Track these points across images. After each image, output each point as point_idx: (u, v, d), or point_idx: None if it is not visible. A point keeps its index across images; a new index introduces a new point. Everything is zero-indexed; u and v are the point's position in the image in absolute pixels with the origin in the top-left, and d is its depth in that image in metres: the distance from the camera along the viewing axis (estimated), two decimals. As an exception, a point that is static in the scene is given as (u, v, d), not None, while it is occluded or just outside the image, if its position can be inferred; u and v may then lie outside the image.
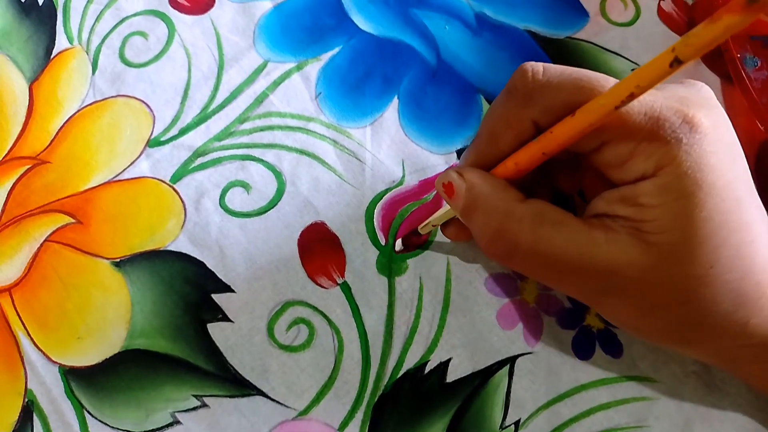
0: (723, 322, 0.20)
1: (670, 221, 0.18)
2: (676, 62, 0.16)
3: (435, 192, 0.27)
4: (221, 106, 0.29)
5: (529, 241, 0.20)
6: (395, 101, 0.29)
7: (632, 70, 0.30)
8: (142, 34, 0.31)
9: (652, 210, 0.19)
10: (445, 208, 0.24)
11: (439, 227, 0.25)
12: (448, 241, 0.27)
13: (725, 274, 0.19)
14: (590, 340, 0.25)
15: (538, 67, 0.20)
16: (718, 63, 0.29)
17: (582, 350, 0.25)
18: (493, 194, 0.21)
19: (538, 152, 0.20)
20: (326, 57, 0.30)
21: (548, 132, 0.20)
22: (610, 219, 0.20)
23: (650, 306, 0.20)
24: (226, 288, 0.26)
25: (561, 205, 0.21)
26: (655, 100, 0.18)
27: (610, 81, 0.19)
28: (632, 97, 0.17)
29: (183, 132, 0.29)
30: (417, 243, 0.27)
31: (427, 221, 0.25)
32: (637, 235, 0.19)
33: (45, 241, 0.27)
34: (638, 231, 0.19)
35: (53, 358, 0.25)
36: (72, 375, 0.25)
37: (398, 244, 0.27)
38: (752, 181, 0.20)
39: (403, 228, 0.27)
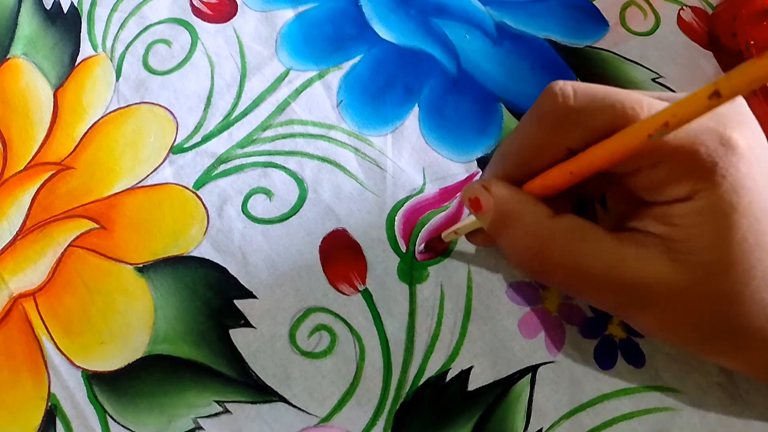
0: (755, 336, 0.20)
1: (705, 242, 0.19)
2: (716, 96, 0.15)
3: (456, 200, 0.28)
4: (244, 114, 0.29)
5: (560, 259, 0.20)
6: (416, 109, 0.29)
7: (652, 79, 0.30)
8: (166, 42, 0.31)
9: (687, 230, 0.19)
10: (471, 218, 0.24)
11: (463, 235, 0.25)
12: (470, 249, 0.27)
13: (760, 292, 0.19)
14: (612, 349, 0.25)
15: (567, 91, 0.20)
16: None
17: (604, 360, 0.25)
18: (523, 211, 0.21)
19: (568, 175, 0.20)
20: (348, 66, 0.30)
21: (580, 155, 0.19)
22: (641, 235, 0.20)
23: (680, 321, 0.20)
24: (249, 294, 0.26)
25: (581, 209, 0.21)
26: (692, 122, 0.18)
27: (644, 105, 0.19)
28: (666, 126, 0.17)
29: (206, 139, 0.29)
30: (439, 249, 0.27)
31: (451, 229, 0.25)
32: (669, 253, 0.19)
33: (69, 246, 0.27)
34: (671, 250, 0.19)
35: (76, 363, 0.25)
36: (95, 380, 0.25)
37: (420, 248, 0.27)
38: None
39: (424, 236, 0.27)
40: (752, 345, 0.20)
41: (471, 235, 0.25)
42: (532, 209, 0.21)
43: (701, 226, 0.19)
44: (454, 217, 0.27)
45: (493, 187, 0.21)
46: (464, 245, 0.27)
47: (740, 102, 0.20)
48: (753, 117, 0.19)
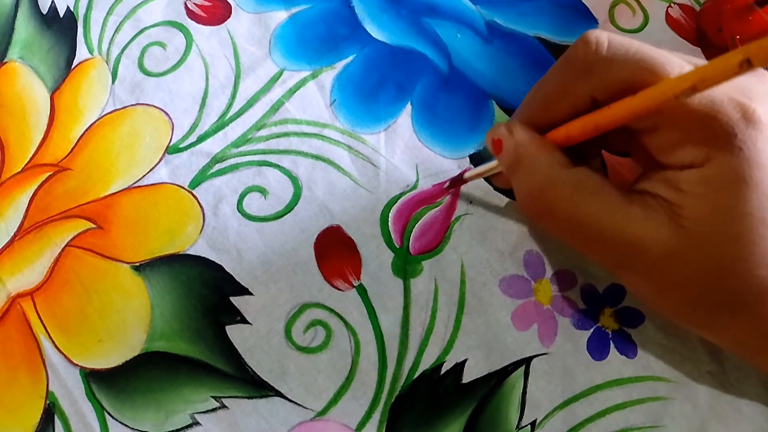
0: (744, 312, 0.20)
1: (708, 212, 0.19)
2: (747, 63, 0.15)
3: (449, 196, 0.28)
4: (238, 114, 0.30)
5: (566, 207, 0.21)
6: (408, 107, 0.30)
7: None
8: (161, 44, 0.31)
9: (693, 198, 0.19)
10: (494, 162, 0.24)
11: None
12: (463, 243, 0.27)
13: (756, 269, 0.19)
14: (605, 340, 0.26)
15: (602, 39, 0.20)
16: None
17: (597, 351, 0.25)
18: (539, 156, 0.21)
19: (592, 126, 0.20)
20: (340, 65, 0.31)
21: (605, 108, 0.20)
22: (650, 197, 0.20)
23: (672, 285, 0.20)
24: (244, 291, 0.26)
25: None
26: (716, 90, 0.18)
27: (674, 64, 0.19)
28: (694, 89, 0.17)
29: (201, 139, 0.29)
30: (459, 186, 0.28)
31: (474, 171, 0.26)
32: (673, 217, 0.19)
33: (66, 246, 0.27)
34: (675, 215, 0.19)
35: (74, 361, 0.26)
36: (93, 377, 0.25)
37: (446, 185, 0.28)
38: None
39: (417, 232, 0.27)
40: (740, 320, 0.20)
41: (494, 176, 0.26)
42: (548, 156, 0.21)
43: (706, 195, 0.19)
44: (448, 212, 0.28)
45: (515, 130, 0.22)
46: (457, 239, 0.27)
47: None
48: None
